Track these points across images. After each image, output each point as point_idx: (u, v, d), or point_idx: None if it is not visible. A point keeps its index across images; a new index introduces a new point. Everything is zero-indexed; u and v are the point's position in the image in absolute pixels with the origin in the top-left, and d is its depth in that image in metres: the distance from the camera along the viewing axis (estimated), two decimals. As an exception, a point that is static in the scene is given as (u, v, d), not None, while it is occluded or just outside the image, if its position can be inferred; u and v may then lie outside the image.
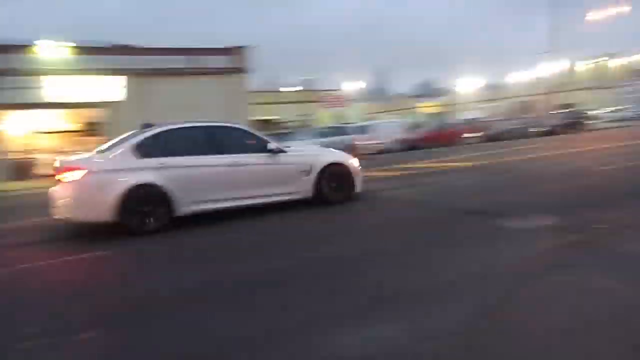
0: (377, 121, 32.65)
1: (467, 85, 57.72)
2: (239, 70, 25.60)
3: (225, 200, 6.86)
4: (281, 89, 47.60)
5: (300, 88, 47.54)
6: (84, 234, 6.61)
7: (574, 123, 30.02)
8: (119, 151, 6.55)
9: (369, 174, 12.58)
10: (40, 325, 3.48)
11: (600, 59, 61.80)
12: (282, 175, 7.33)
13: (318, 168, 7.52)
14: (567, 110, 33.64)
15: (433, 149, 23.94)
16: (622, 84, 47.27)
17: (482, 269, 4.06)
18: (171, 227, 6.39)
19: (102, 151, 6.85)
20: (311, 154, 8.11)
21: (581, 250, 4.36)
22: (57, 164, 6.60)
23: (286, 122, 35.30)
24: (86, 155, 6.98)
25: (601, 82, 56.41)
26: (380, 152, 25.56)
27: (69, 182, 6.19)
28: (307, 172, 7.45)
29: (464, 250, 4.69)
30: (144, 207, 6.24)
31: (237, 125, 7.90)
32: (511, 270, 3.98)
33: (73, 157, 6.92)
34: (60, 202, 6.30)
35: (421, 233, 5.65)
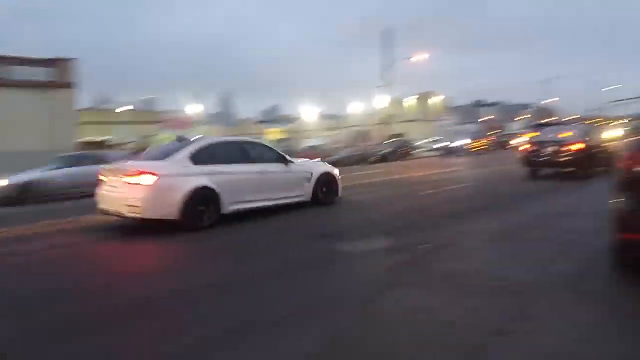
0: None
1: (310, 113, 60.68)
2: (64, 85, 22.74)
3: (256, 201, 8.17)
4: (117, 109, 43.87)
5: (133, 108, 43.94)
6: (140, 229, 7.39)
7: (403, 151, 33.41)
8: (178, 159, 7.52)
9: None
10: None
11: (422, 95, 70.54)
12: (293, 181, 8.90)
13: (316, 176, 9.18)
14: (397, 139, 37.34)
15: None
16: (439, 118, 54.44)
17: (320, 295, 4.12)
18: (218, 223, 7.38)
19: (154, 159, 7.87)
20: (310, 164, 9.78)
21: (408, 271, 4.71)
22: (124, 168, 7.43)
23: (123, 143, 32.53)
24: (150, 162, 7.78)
25: (424, 115, 64.35)
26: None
27: (142, 184, 6.98)
28: (309, 179, 9.10)
29: (302, 277, 4.71)
30: (202, 206, 7.27)
31: (260, 141, 10.50)
32: (347, 294, 4.10)
33: (142, 163, 7.81)
34: (132, 201, 6.95)
35: (254, 261, 5.50)
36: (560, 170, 12.79)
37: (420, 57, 36.35)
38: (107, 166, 8.19)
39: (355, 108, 61.37)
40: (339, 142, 50.81)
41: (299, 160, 9.58)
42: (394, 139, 37.33)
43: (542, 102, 71.15)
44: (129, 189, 7.06)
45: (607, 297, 3.73)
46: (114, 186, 7.37)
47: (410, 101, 68.72)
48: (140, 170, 7.16)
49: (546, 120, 41.42)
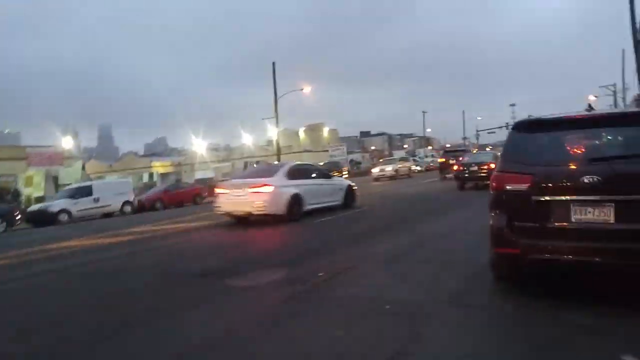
0: (101, 181, 29.78)
1: (199, 145, 59.07)
2: None
3: (318, 203, 12.19)
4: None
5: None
6: (250, 224, 11.29)
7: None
8: (280, 175, 11.61)
9: (86, 242, 11.13)
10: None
11: (310, 127, 72.72)
12: (335, 191, 13.21)
13: (345, 187, 13.70)
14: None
15: (169, 210, 23.10)
16: (330, 148, 56.36)
17: (213, 333, 3.83)
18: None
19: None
20: (342, 180, 15.11)
21: (305, 301, 4.60)
22: (250, 182, 11.30)
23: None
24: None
25: (314, 146, 66.17)
26: (109, 215, 23.22)
27: (264, 192, 10.82)
28: (342, 189, 13.53)
29: (191, 316, 4.42)
30: (296, 206, 11.33)
31: (317, 165, 17.58)
32: (243, 330, 3.87)
33: (261, 179, 11.35)
34: (258, 203, 10.79)
35: (147, 307, 5.01)
36: (480, 183, 17.09)
37: (307, 89, 37.54)
38: (228, 182, 12.86)
39: (247, 140, 61.19)
40: (229, 174, 50.03)
41: (335, 177, 14.83)
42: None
43: (428, 131, 77.07)
44: (255, 195, 10.84)
45: (488, 309, 3.95)
46: (240, 195, 11.14)
47: (301, 132, 70.46)
48: (264, 183, 10.96)
49: (451, 147, 45.41)
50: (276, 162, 13.28)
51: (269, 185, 10.85)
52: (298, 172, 12.13)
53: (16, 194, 29.72)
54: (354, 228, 9.56)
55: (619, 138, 4.01)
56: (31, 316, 4.89)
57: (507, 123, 78.47)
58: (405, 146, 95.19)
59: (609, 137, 4.05)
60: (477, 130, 77.43)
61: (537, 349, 3.05)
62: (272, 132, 42.73)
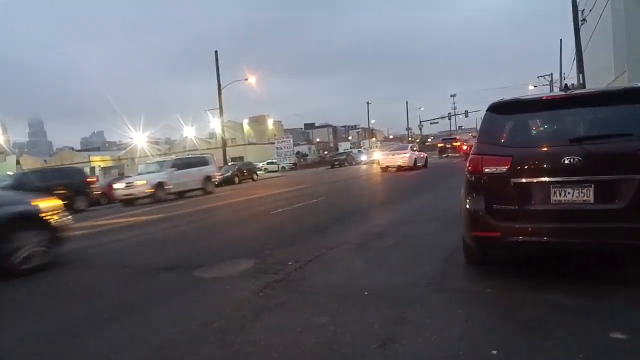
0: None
1: (140, 139, 56.59)
2: None
3: (419, 162, 27.84)
4: None
5: None
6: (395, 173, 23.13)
7: (246, 173, 33.31)
8: (409, 148, 28.14)
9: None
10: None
11: (255, 119, 71.77)
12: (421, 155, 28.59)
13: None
14: (238, 162, 37.16)
15: (114, 204, 21.98)
16: (276, 140, 55.79)
17: (192, 327, 3.62)
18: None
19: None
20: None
21: (281, 290, 4.45)
22: (399, 151, 26.62)
23: None
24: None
25: (258, 138, 65.38)
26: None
27: (406, 156, 25.54)
28: (424, 157, 28.93)
29: (164, 309, 4.17)
30: (418, 163, 26.80)
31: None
32: (221, 322, 3.68)
33: (403, 150, 27.06)
34: (403, 161, 25.29)
35: (115, 302, 4.67)
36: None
37: (251, 79, 36.87)
38: (387, 152, 27.87)
39: (189, 132, 59.34)
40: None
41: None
42: (235, 162, 37.06)
43: (372, 123, 78.17)
44: (402, 158, 25.24)
45: (468, 293, 3.97)
46: (394, 157, 25.69)
47: (245, 124, 69.36)
48: (405, 151, 26.11)
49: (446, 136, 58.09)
50: (405, 143, 28.21)
51: (407, 152, 25.91)
52: (416, 147, 29.76)
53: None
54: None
55: (598, 117, 4.10)
56: None
57: (449, 113, 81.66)
58: (349, 138, 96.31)
59: (587, 117, 4.14)
60: (421, 121, 79.64)
61: (524, 330, 3.07)
62: (216, 124, 41.72)
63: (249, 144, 65.36)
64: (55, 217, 6.50)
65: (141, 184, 19.35)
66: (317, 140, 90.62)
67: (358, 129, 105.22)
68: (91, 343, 3.50)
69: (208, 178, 21.89)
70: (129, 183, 20.34)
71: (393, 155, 25.72)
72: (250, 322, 3.63)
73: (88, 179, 21.63)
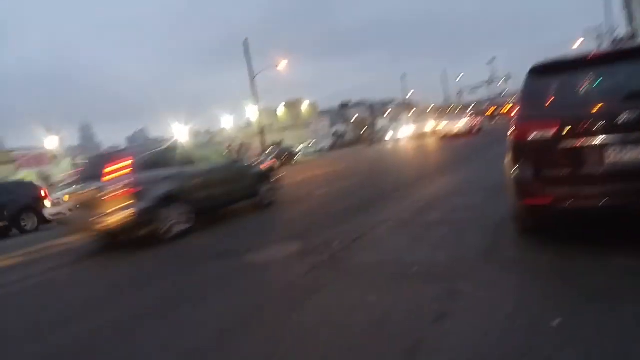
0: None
1: (181, 132, 57.82)
2: None
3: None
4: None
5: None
6: None
7: (286, 157, 33.59)
8: (464, 119, 31.41)
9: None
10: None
11: (290, 103, 71.89)
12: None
13: None
14: (277, 147, 37.49)
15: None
16: (310, 123, 55.86)
17: (248, 311, 3.70)
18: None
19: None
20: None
21: (327, 271, 4.45)
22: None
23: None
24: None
25: (295, 122, 65.53)
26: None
27: (461, 123, 30.06)
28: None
29: (217, 296, 4.25)
30: (471, 131, 30.42)
31: None
32: (273, 305, 3.74)
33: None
34: (459, 129, 29.23)
35: (175, 286, 4.87)
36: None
37: (282, 64, 36.73)
38: (446, 121, 31.85)
39: (228, 122, 60.15)
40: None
41: None
42: (273, 148, 37.40)
43: (408, 96, 76.82)
44: (459, 125, 29.99)
45: (521, 262, 3.84)
46: (451, 125, 29.99)
47: (281, 109, 69.66)
48: (461, 119, 31.47)
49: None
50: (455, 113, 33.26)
51: (463, 120, 29.63)
52: (470, 115, 33.23)
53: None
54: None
55: None
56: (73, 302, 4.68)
57: (489, 78, 78.74)
58: (387, 113, 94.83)
59: (638, 72, 3.86)
60: (460, 89, 77.39)
61: (587, 298, 2.92)
62: (251, 113, 42.02)
63: (285, 128, 65.65)
64: (273, 176, 10.77)
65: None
66: (354, 118, 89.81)
67: (395, 103, 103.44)
68: (160, 326, 3.65)
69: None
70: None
71: (451, 123, 29.29)
72: (300, 303, 3.65)
73: (40, 193, 15.94)
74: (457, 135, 28.16)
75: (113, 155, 8.01)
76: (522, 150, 3.92)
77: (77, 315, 4.39)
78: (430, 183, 9.70)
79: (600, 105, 3.64)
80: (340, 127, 64.80)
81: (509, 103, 45.98)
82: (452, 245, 4.66)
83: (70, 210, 7.70)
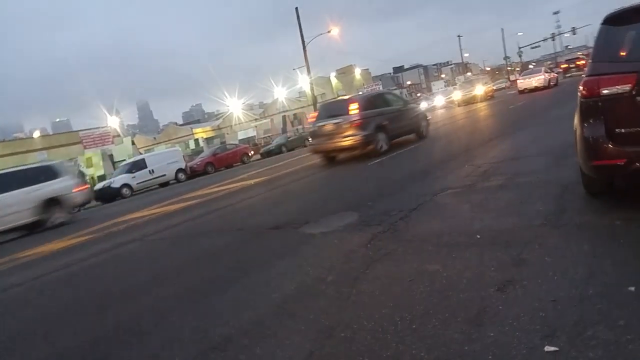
0: (152, 153, 30.41)
1: (235, 106, 59.09)
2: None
3: None
4: (32, 135, 40.48)
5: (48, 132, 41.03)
6: None
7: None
8: (536, 71, 31.51)
9: (154, 211, 11.49)
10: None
11: (342, 70, 70.98)
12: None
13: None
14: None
15: (221, 172, 23.51)
16: (366, 88, 54.92)
17: (308, 282, 3.78)
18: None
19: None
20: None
21: (388, 240, 4.46)
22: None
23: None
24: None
25: (348, 89, 64.75)
26: (165, 184, 23.97)
27: (540, 77, 29.63)
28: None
29: (278, 267, 4.37)
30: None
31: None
32: (334, 276, 3.79)
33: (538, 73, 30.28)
34: (537, 83, 29.35)
35: (234, 264, 5.06)
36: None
37: (334, 31, 36.24)
38: (524, 76, 31.40)
39: (279, 94, 60.59)
40: (270, 130, 50.11)
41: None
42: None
43: (465, 57, 73.86)
44: (537, 79, 29.89)
45: (592, 227, 3.67)
46: (530, 79, 29.92)
47: (333, 78, 69.04)
48: (540, 74, 30.37)
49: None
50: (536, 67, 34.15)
51: (541, 74, 29.37)
52: (548, 70, 32.37)
53: (82, 175, 31.20)
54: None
55: None
56: (129, 282, 5.05)
57: (552, 34, 73.80)
58: (442, 76, 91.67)
59: None
60: (520, 47, 73.13)
61: (664, 262, 2.79)
62: (304, 82, 41.97)
63: (339, 97, 65.16)
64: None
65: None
66: (408, 82, 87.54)
67: (451, 64, 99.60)
68: (218, 302, 3.84)
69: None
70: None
71: (530, 78, 30.46)
72: (362, 273, 3.69)
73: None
74: (536, 89, 29.52)
75: (344, 101, 12.87)
76: (592, 107, 3.69)
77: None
78: (493, 146, 9.36)
79: None
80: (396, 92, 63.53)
81: (581, 57, 45.25)
82: (516, 211, 4.51)
83: (314, 138, 13.02)
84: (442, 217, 4.94)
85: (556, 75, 34.14)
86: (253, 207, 8.65)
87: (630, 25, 3.70)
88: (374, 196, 6.65)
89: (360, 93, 17.15)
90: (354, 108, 11.96)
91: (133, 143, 40.08)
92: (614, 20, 3.74)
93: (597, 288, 2.67)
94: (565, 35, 72.05)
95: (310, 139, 14.26)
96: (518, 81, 33.92)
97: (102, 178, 30.27)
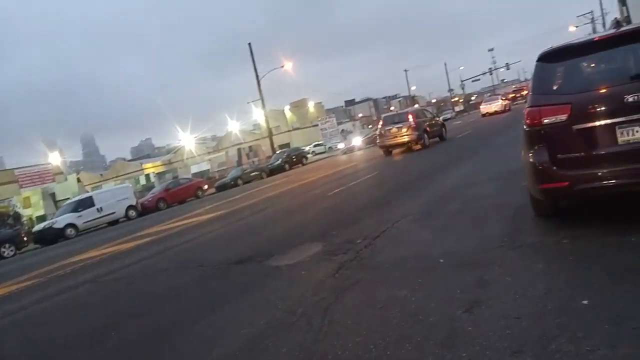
0: (100, 190, 29.29)
1: (187, 140, 58.29)
2: None
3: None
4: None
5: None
6: None
7: (296, 158, 33.72)
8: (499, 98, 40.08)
9: (105, 250, 11.05)
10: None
11: (295, 104, 71.99)
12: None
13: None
14: (286, 149, 37.66)
15: (174, 208, 22.97)
16: (320, 122, 55.76)
17: (278, 315, 3.78)
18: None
19: None
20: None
21: (355, 269, 4.54)
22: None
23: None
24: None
25: (301, 123, 65.60)
26: (114, 222, 23.11)
27: (499, 103, 37.84)
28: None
29: (246, 302, 4.35)
30: None
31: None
32: (304, 307, 3.80)
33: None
34: (497, 108, 37.01)
35: (197, 302, 4.94)
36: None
37: (287, 65, 37.02)
38: (485, 103, 39.09)
39: (233, 127, 60.46)
40: (225, 163, 49.70)
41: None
42: (283, 149, 37.58)
43: (412, 90, 76.94)
44: (497, 105, 37.41)
45: (544, 247, 3.90)
46: (490, 105, 37.71)
47: (287, 111, 69.80)
48: (497, 101, 38.45)
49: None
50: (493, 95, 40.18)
51: (499, 101, 37.65)
52: (503, 97, 41.46)
53: (17, 216, 29.45)
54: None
55: None
56: (87, 325, 4.81)
57: (490, 68, 78.74)
58: (392, 108, 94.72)
59: None
60: (462, 80, 77.19)
61: (612, 277, 3.00)
62: (258, 115, 42.23)
63: (293, 129, 65.75)
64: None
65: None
66: (360, 115, 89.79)
67: (399, 97, 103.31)
68: (184, 341, 3.75)
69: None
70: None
71: (490, 104, 37.33)
72: (332, 303, 3.73)
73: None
74: (495, 112, 36.50)
75: (403, 114, 19.53)
76: (535, 135, 4.00)
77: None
78: (445, 174, 9.74)
79: (607, 87, 3.72)
80: (347, 125, 64.79)
81: (524, 87, 53.63)
82: (474, 234, 4.73)
83: (382, 137, 19.82)
84: (405, 243, 5.10)
85: (510, 102, 41.32)
86: (213, 242, 8.53)
87: (562, 62, 4.10)
88: (337, 226, 6.74)
89: (413, 108, 23.17)
90: (411, 117, 18.61)
91: (79, 180, 38.50)
92: (548, 57, 4.13)
93: (555, 303, 2.85)
94: (501, 70, 77.44)
95: (378, 140, 21.07)
96: (481, 106, 40.92)
97: (42, 218, 28.62)
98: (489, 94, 61.13)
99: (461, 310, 3.04)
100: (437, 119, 22.41)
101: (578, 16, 51.07)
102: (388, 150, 19.64)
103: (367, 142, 36.44)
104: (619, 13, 20.04)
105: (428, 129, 19.27)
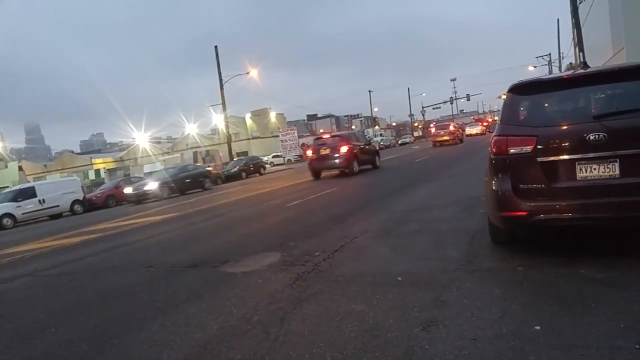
0: (44, 181, 27.81)
1: (141, 138, 56.50)
2: None
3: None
4: None
5: None
6: None
7: (254, 167, 33.36)
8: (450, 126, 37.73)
9: (46, 244, 10.47)
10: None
11: (257, 112, 71.62)
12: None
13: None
14: (245, 157, 37.25)
15: (124, 206, 22.13)
16: (280, 133, 55.61)
17: (232, 322, 3.69)
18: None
19: None
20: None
21: (313, 281, 4.52)
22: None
23: None
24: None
25: (262, 132, 65.29)
26: (57, 216, 22.01)
27: (449, 129, 35.18)
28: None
29: (198, 307, 4.21)
30: None
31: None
32: (260, 316, 3.74)
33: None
34: (447, 137, 33.68)
35: (147, 303, 4.74)
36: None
37: (253, 72, 36.87)
38: (435, 131, 35.59)
39: (191, 129, 59.31)
40: (178, 165, 48.47)
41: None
42: (241, 157, 37.16)
43: (374, 111, 78.34)
44: (446, 133, 33.95)
45: (500, 272, 4.02)
46: (440, 132, 34.50)
47: (248, 119, 69.30)
48: (448, 129, 34.84)
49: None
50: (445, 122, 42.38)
51: (450, 128, 35.03)
52: (455, 125, 39.44)
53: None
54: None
55: (619, 93, 4.10)
56: (21, 322, 4.50)
57: (451, 98, 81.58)
58: (353, 127, 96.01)
59: (608, 93, 4.15)
60: (423, 107, 79.50)
61: (563, 304, 3.13)
62: (218, 120, 41.62)
63: (253, 138, 65.31)
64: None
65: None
66: (320, 130, 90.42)
67: (361, 117, 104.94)
68: (132, 342, 3.58)
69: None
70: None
71: (472, 128, 42.65)
72: (289, 313, 3.68)
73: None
74: (477, 134, 39.85)
75: (338, 137, 18.77)
76: (500, 164, 4.13)
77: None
78: (404, 195, 9.91)
79: (571, 124, 3.91)
80: (307, 139, 65.05)
81: (484, 120, 57.83)
82: (433, 255, 4.83)
83: (314, 158, 18.41)
84: (364, 258, 5.12)
85: (462, 131, 45.01)
86: (164, 244, 8.26)
87: (531, 95, 4.28)
88: (295, 237, 6.69)
89: (347, 132, 23.83)
90: (343, 143, 18.10)
91: (20, 169, 36.49)
92: (518, 89, 4.30)
93: (510, 327, 2.93)
94: (461, 100, 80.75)
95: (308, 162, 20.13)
96: (466, 129, 48.48)
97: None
98: (471, 119, 71.02)
99: (418, 329, 3.06)
100: (370, 145, 20.82)
101: (537, 57, 54.20)
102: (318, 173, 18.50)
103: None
104: (575, 58, 21.33)
105: (359, 155, 18.16)
